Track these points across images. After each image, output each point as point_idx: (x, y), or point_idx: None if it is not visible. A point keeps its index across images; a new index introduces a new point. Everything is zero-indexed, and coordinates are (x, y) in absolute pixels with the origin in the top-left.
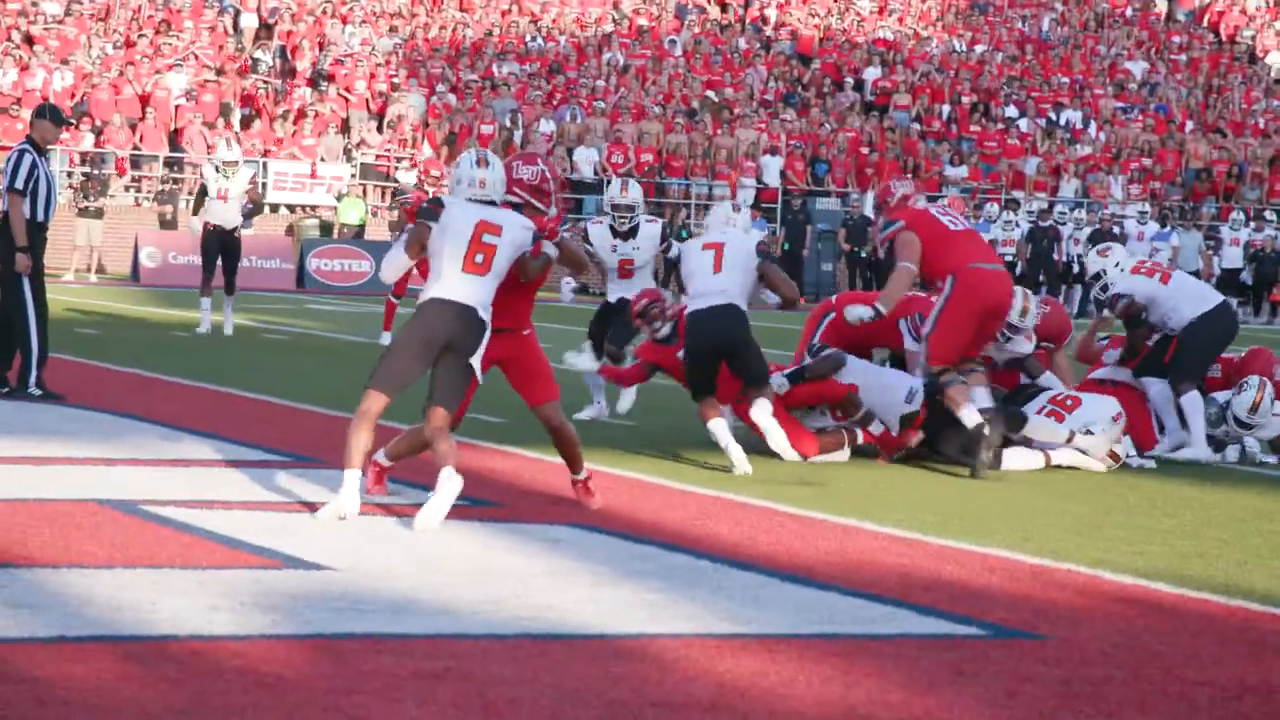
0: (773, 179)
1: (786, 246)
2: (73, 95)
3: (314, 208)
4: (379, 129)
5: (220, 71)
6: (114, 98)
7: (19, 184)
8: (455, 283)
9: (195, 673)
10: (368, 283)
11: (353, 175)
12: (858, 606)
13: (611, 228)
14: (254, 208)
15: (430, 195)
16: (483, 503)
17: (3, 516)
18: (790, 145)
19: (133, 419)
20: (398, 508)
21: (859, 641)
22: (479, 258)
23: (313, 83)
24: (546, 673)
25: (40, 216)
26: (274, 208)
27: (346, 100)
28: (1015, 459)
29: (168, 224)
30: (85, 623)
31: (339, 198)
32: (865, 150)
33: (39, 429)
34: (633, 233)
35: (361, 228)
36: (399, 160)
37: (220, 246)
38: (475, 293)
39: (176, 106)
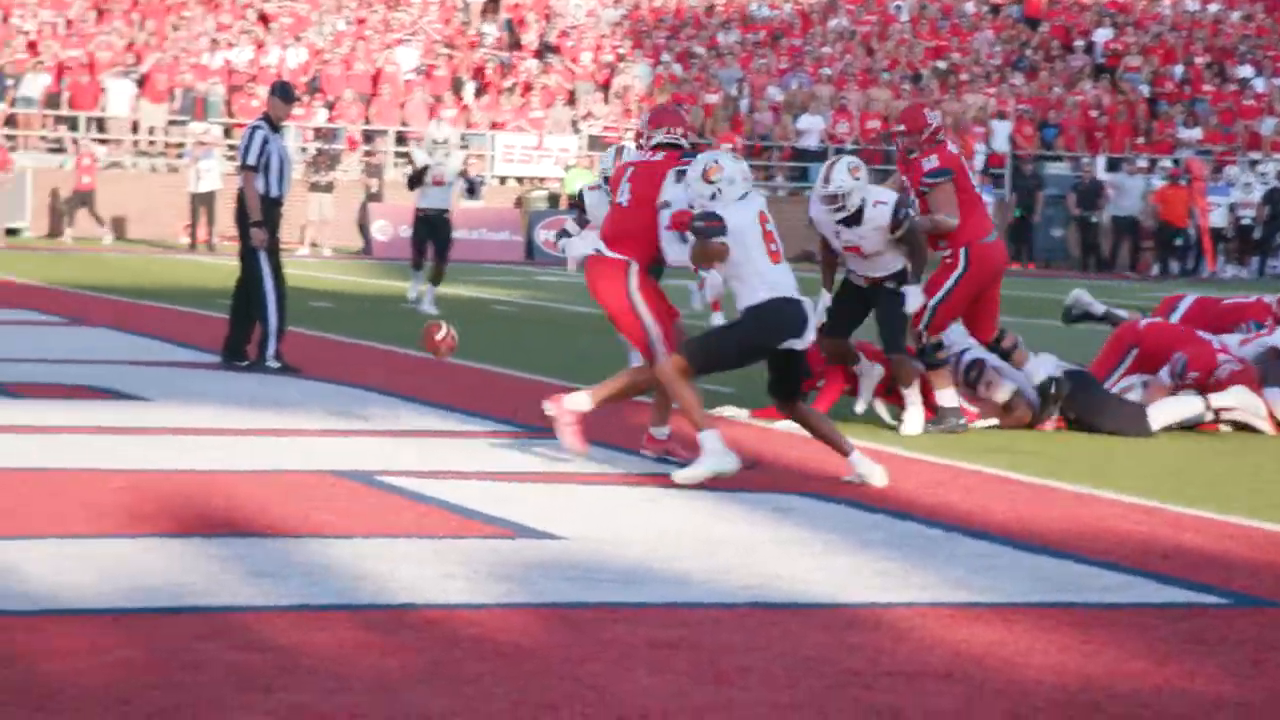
0: (1001, 144)
1: (1018, 213)
2: (305, 71)
3: (541, 179)
4: (605, 100)
5: (450, 45)
6: (345, 73)
7: (251, 160)
8: (777, 275)
9: (432, 641)
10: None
11: (580, 146)
12: (1095, 575)
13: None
14: (472, 186)
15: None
16: (669, 460)
17: (245, 488)
18: (1018, 110)
19: (366, 390)
20: (630, 477)
21: (1097, 611)
22: (774, 245)
23: (539, 55)
24: (778, 641)
25: (274, 192)
26: (502, 180)
27: (573, 72)
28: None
29: (373, 197)
30: (326, 591)
31: (566, 169)
32: (1095, 114)
33: (277, 401)
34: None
35: None
36: (625, 130)
37: (430, 232)
38: (791, 280)
39: (406, 81)
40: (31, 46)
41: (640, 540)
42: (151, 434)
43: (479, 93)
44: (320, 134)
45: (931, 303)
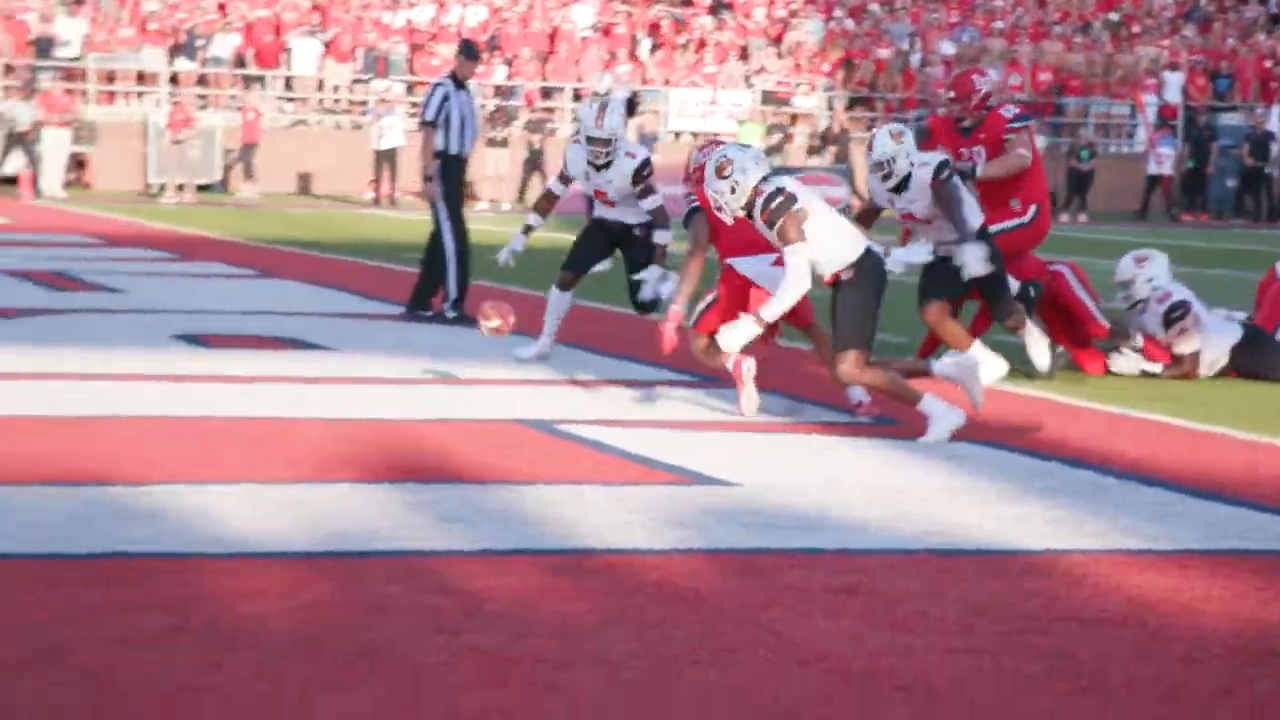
0: (1173, 95)
1: (1191, 164)
2: (485, 30)
3: (715, 134)
4: (778, 55)
5: (625, 2)
6: (523, 31)
7: (429, 116)
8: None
9: (615, 585)
10: None
11: (753, 101)
12: (1272, 522)
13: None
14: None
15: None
16: (884, 420)
17: (432, 436)
18: (1191, 61)
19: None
20: (804, 426)
21: (1273, 558)
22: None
23: (713, 11)
24: (953, 587)
25: (454, 149)
26: (676, 135)
27: (745, 28)
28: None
29: (536, 153)
30: (512, 536)
31: (739, 124)
32: (1269, 64)
33: (459, 352)
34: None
35: (769, 152)
36: (797, 85)
37: None
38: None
39: (582, 38)
40: (221, 8)
41: (815, 487)
42: (339, 383)
43: (653, 49)
44: (499, 91)
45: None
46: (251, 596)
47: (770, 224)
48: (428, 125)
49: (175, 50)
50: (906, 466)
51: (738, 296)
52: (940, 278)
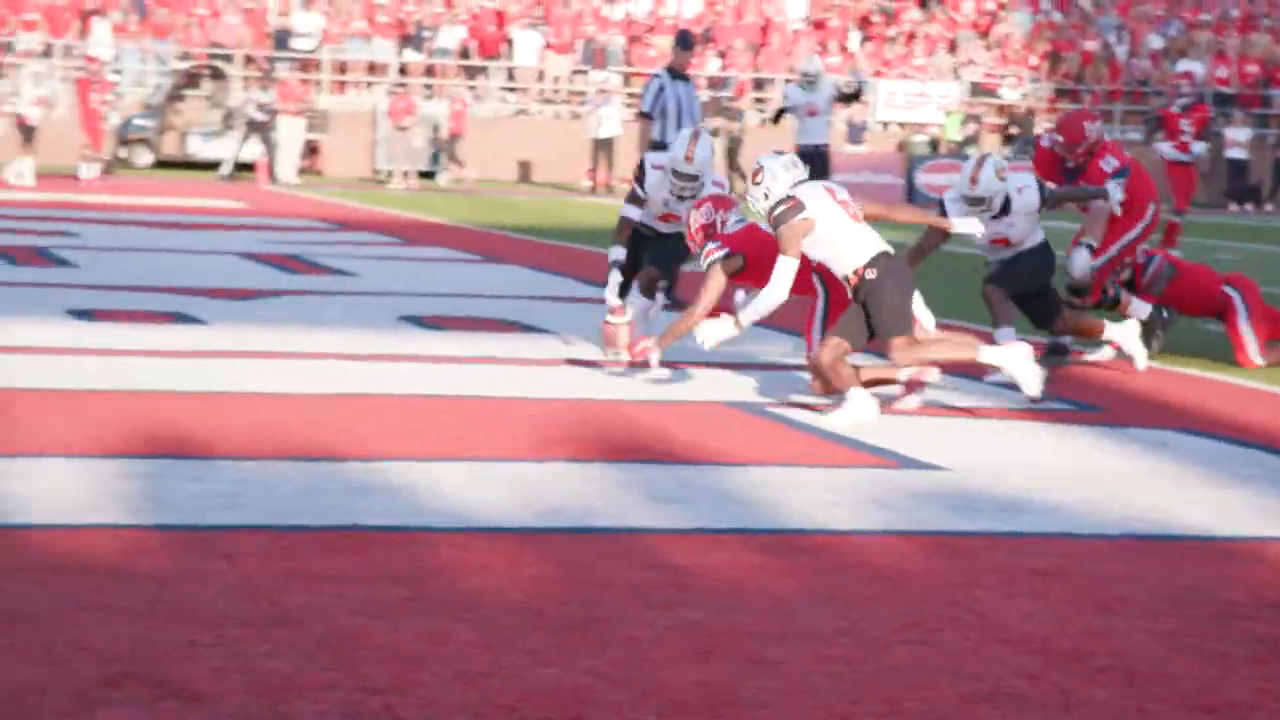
0: None
1: None
2: (700, 22)
3: (923, 125)
4: (985, 47)
5: None
6: (736, 23)
7: (645, 108)
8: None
9: (824, 565)
10: None
11: (960, 93)
12: None
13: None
14: (844, 95)
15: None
16: (1085, 407)
17: (646, 416)
18: None
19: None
20: (1008, 412)
21: None
22: (851, 209)
23: (922, 4)
24: (1155, 572)
25: (669, 138)
26: (884, 125)
27: (954, 21)
28: None
29: (735, 140)
30: (723, 516)
31: (947, 115)
32: None
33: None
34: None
35: (965, 143)
36: (1002, 77)
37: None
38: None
39: (794, 30)
40: (448, 1)
41: (1019, 472)
42: (557, 365)
43: (863, 41)
44: (712, 82)
45: (1118, 244)
46: (478, 569)
47: (774, 229)
48: (644, 116)
49: (404, 41)
50: (1110, 452)
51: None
52: (1008, 274)
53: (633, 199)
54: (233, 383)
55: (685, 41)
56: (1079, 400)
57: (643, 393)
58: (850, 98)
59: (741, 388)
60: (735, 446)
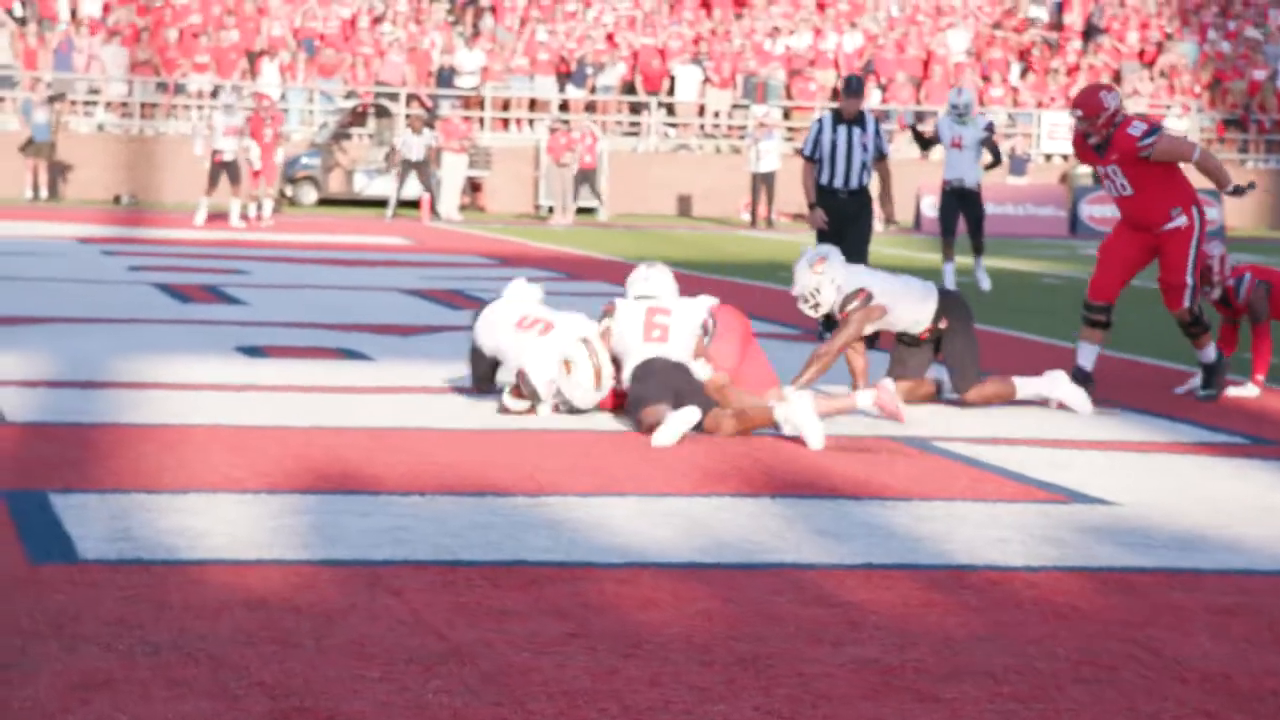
0: None
1: None
2: (860, 56)
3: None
4: (1150, 78)
5: (997, 26)
6: (898, 57)
7: (805, 151)
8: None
9: (993, 601)
10: None
11: None
12: None
13: None
14: (996, 152)
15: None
16: (1263, 441)
17: (808, 451)
18: None
19: None
20: (1180, 445)
21: None
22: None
23: (1085, 35)
24: None
25: (823, 180)
26: (1047, 157)
27: (1119, 51)
28: None
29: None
30: (888, 551)
31: None
32: None
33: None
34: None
35: None
36: (1168, 107)
37: (958, 204)
38: None
39: (956, 64)
40: (609, 38)
41: (1194, 507)
42: None
43: (1023, 73)
44: (876, 116)
45: (1187, 280)
46: (643, 605)
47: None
48: (805, 159)
49: (564, 78)
50: None
51: None
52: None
53: None
54: (399, 418)
55: (850, 87)
56: (1257, 434)
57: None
58: (995, 159)
59: (909, 420)
60: (900, 480)
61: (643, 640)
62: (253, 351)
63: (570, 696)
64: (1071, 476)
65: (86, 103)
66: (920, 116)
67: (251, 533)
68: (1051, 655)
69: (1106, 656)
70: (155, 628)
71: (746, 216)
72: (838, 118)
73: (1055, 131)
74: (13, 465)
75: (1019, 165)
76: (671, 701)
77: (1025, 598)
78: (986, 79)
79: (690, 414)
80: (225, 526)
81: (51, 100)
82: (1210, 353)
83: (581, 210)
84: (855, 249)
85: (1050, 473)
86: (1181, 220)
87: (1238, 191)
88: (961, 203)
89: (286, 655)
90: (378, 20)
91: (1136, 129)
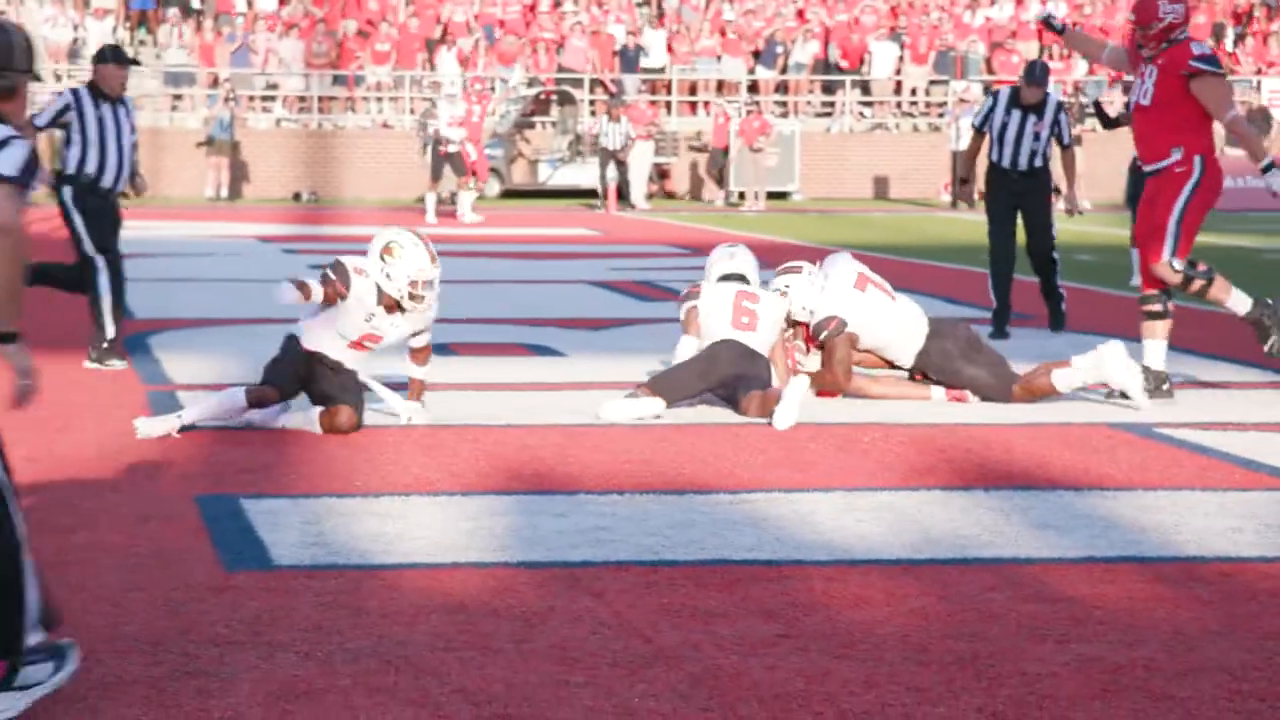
0: None
1: None
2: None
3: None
4: None
5: None
6: (1106, 24)
7: (974, 122)
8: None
9: (1227, 594)
10: None
11: None
12: None
13: None
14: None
15: None
16: None
17: (1023, 441)
18: None
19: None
20: None
21: None
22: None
23: None
24: None
25: (993, 157)
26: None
27: None
28: None
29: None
30: (1112, 543)
31: None
32: None
33: (1049, 354)
34: None
35: None
36: None
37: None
38: None
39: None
40: (800, 14)
41: None
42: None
43: (1239, 39)
44: (1077, 87)
45: (1170, 225)
46: (857, 603)
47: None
48: (975, 130)
49: (755, 58)
50: None
51: None
52: None
53: None
54: (593, 415)
55: (1031, 75)
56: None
57: (1020, 416)
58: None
59: (1125, 409)
60: (1122, 470)
61: (855, 640)
62: (440, 349)
63: (782, 700)
64: None
65: (264, 98)
66: (1104, 95)
67: (447, 535)
68: None
69: None
70: (353, 634)
71: (948, 197)
72: (1015, 99)
73: (1276, 99)
74: (204, 470)
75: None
76: (889, 704)
77: (1261, 589)
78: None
79: (653, 404)
80: (419, 529)
81: (227, 99)
82: (1240, 299)
83: (772, 195)
84: (1033, 232)
85: None
86: (1177, 159)
87: (1268, 170)
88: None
89: (487, 661)
90: (558, 3)
91: (1198, 48)
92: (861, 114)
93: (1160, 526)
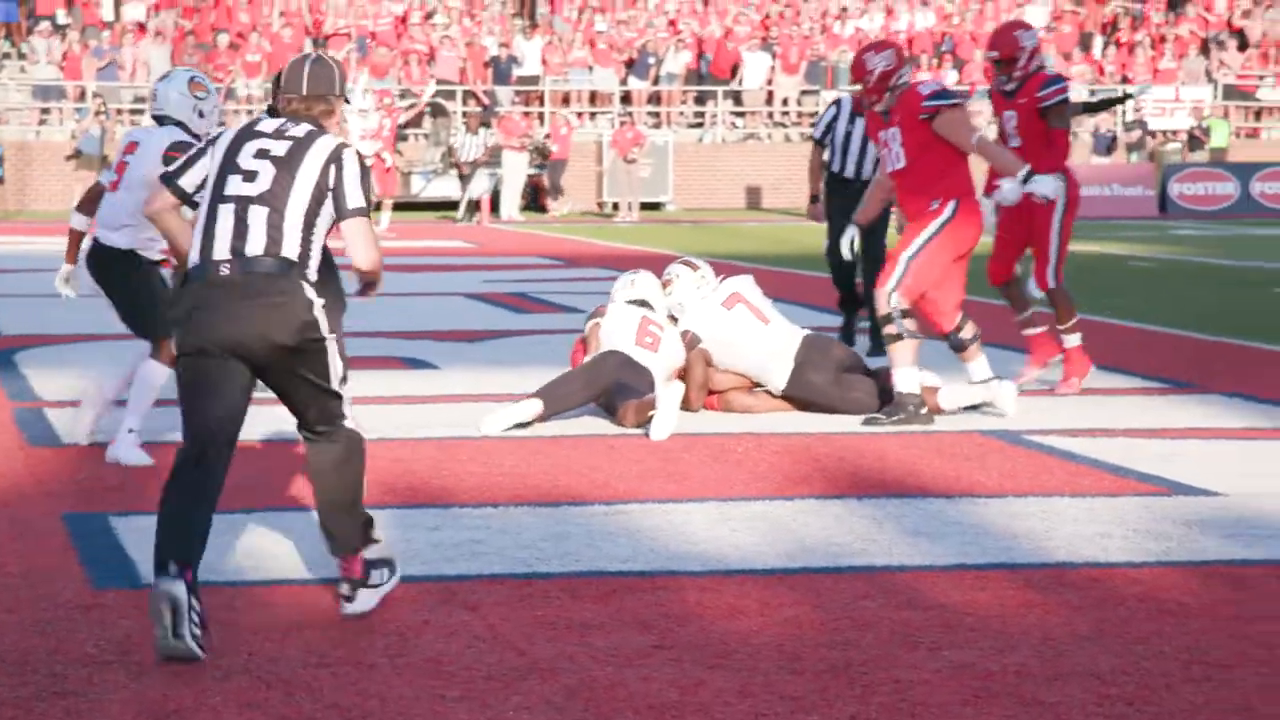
0: None
1: None
2: (934, 35)
3: (1174, 132)
4: (1239, 48)
5: (1078, 1)
6: (974, 34)
7: (815, 134)
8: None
9: (1095, 600)
10: (1233, 205)
11: (1214, 97)
12: None
13: None
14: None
15: None
16: None
17: (894, 450)
18: None
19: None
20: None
21: None
22: None
23: (1170, 5)
24: None
25: (835, 167)
26: (1151, 134)
27: (1206, 20)
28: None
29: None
30: (982, 550)
31: (1203, 119)
32: None
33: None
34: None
35: (1224, 150)
36: (1260, 78)
37: None
38: None
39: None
40: (672, 24)
41: None
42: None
43: (1105, 47)
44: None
45: (906, 253)
46: (729, 614)
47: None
48: (814, 143)
49: (627, 68)
50: None
51: None
52: None
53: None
54: (468, 428)
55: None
56: None
57: (891, 424)
58: (1097, 106)
59: (995, 416)
60: (992, 477)
61: (730, 650)
62: None
63: (657, 711)
64: (1172, 467)
65: (133, 111)
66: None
67: (319, 550)
68: (1160, 654)
69: (1218, 654)
70: (224, 651)
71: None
72: (857, 107)
73: (1142, 107)
74: (72, 489)
75: (1102, 144)
76: (763, 713)
77: (1129, 594)
78: (1067, 55)
79: (529, 405)
80: (292, 545)
81: (98, 113)
82: (908, 377)
83: (646, 206)
84: (868, 235)
85: (1150, 464)
86: (935, 208)
87: (1028, 180)
88: None
89: (361, 675)
90: (429, 15)
91: (925, 88)
92: (734, 124)
93: (1030, 533)
